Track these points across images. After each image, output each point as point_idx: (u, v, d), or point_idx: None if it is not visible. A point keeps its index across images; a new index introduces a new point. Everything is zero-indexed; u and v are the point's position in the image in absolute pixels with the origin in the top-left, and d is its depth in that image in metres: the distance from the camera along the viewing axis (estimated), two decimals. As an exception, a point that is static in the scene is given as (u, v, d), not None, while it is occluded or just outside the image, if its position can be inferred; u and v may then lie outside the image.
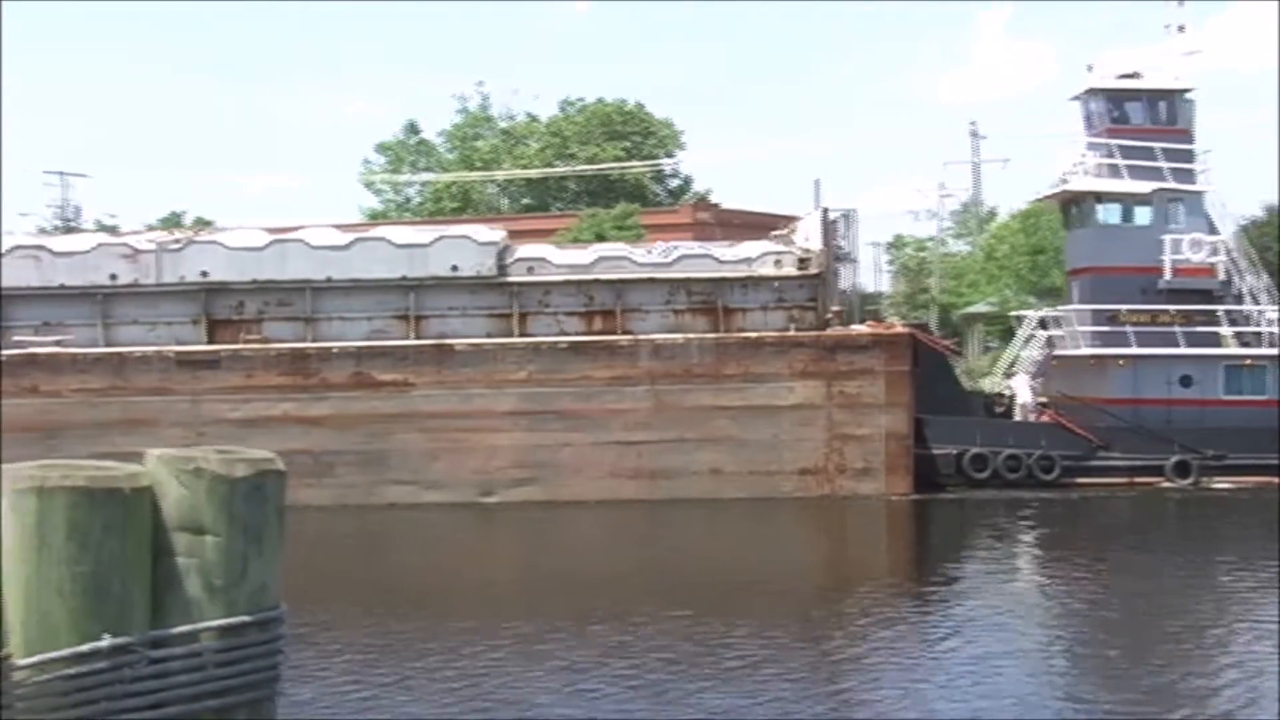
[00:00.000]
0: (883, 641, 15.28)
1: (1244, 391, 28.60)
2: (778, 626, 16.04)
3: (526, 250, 29.10)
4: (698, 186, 60.20)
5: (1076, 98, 30.74)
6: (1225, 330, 29.30)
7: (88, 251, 28.45)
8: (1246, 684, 13.04)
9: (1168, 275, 29.08)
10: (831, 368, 27.38)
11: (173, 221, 55.79)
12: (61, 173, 55.81)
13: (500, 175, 57.98)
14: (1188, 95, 29.83)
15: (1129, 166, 29.36)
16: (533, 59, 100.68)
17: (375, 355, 27.45)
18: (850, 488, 27.19)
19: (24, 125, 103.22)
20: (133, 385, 27.14)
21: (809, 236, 28.73)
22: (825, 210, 29.34)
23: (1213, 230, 29.51)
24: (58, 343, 27.58)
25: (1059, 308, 32.28)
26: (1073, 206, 31.55)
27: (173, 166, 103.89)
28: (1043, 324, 31.52)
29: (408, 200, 62.53)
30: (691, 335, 27.72)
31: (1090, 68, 30.26)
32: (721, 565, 20.85)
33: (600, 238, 38.29)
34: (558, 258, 28.76)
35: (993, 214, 57.80)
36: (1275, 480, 26.94)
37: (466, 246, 28.25)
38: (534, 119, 61.79)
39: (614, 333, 27.91)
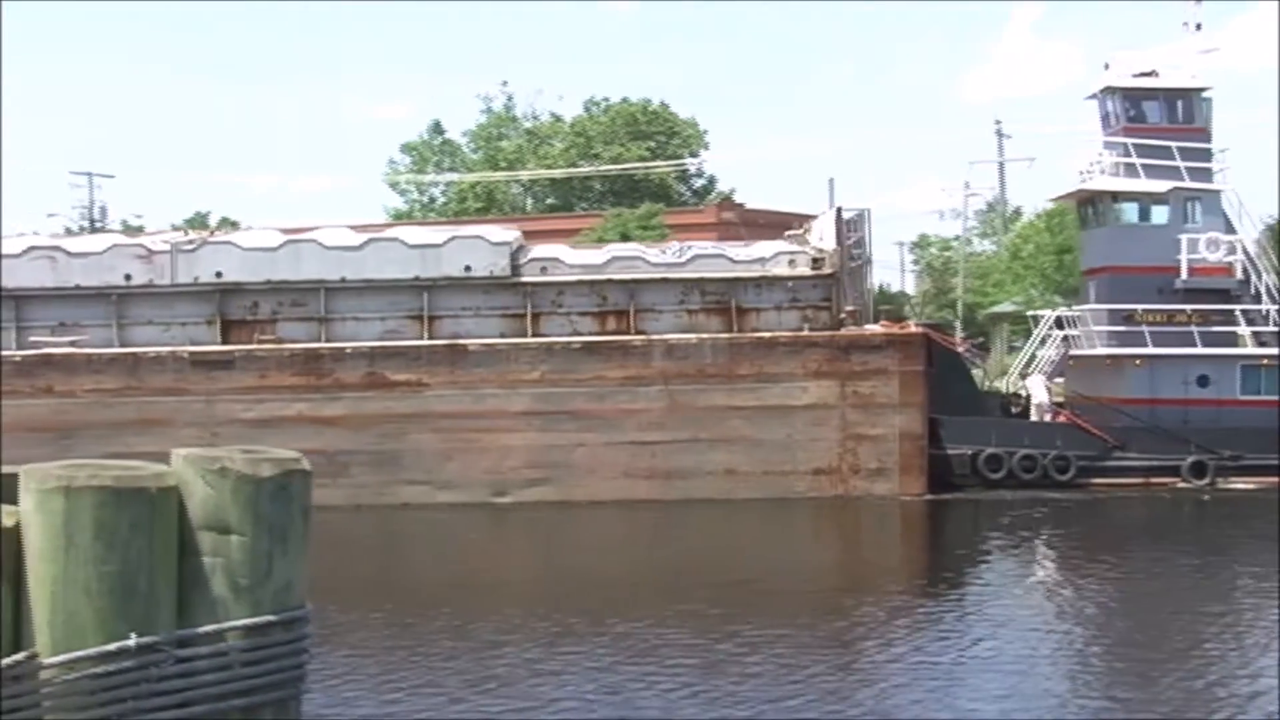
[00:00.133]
0: (897, 641, 15.23)
1: (1261, 391, 28.40)
2: (794, 627, 15.99)
3: (540, 250, 29.11)
4: (722, 186, 60.27)
5: (1093, 96, 30.59)
6: (1243, 330, 29.11)
7: (103, 252, 28.55)
8: (1251, 685, 12.99)
9: (1184, 275, 28.90)
10: (845, 368, 27.30)
11: (198, 222, 56.07)
12: (88, 173, 56.05)
13: (525, 175, 58.04)
14: (1205, 94, 29.64)
15: (1146, 165, 29.19)
16: (557, 59, 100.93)
17: (389, 355, 27.48)
18: (864, 488, 27.11)
19: (51, 127, 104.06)
20: (147, 385, 27.23)
21: (823, 236, 28.67)
22: (839, 210, 29.27)
23: (1230, 229, 29.33)
24: (73, 343, 27.70)
25: (1075, 307, 32.13)
26: (1089, 206, 31.40)
27: (198, 167, 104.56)
28: (1059, 324, 31.38)
29: (432, 200, 62.69)
30: (705, 335, 27.68)
31: (1107, 66, 30.12)
32: (737, 566, 20.80)
33: (625, 238, 38.30)
34: (571, 258, 28.76)
35: (1018, 213, 57.60)
36: (1277, 480, 26.77)
37: (480, 247, 28.26)
38: (558, 119, 61.86)
39: (627, 333, 27.88)
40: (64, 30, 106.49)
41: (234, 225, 47.61)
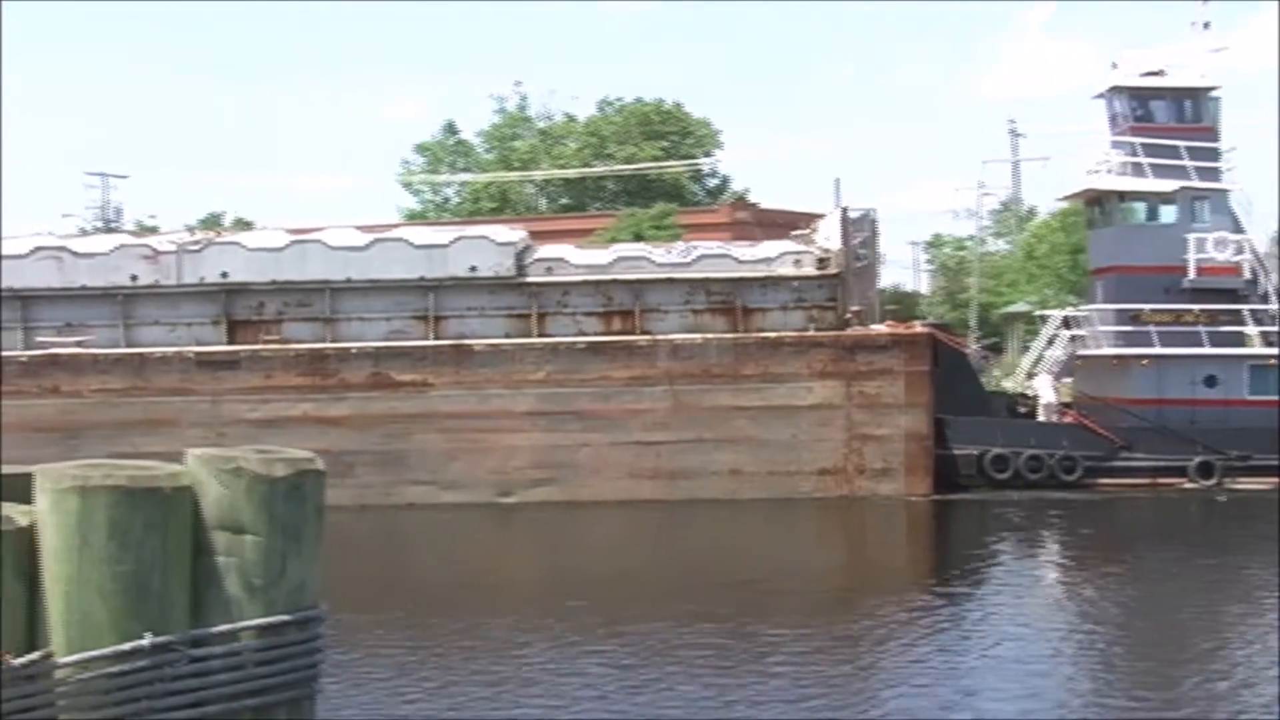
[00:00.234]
0: (910, 642, 15.22)
1: (1269, 392, 28.30)
2: (808, 628, 15.98)
3: (545, 250, 29.11)
4: (735, 186, 60.30)
5: (1100, 96, 30.52)
6: (1250, 330, 29.02)
7: (109, 253, 28.60)
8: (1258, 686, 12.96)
9: (1192, 274, 28.83)
10: (851, 368, 27.28)
11: (212, 222, 56.13)
12: (103, 174, 56.08)
13: (538, 175, 58.05)
14: (1213, 93, 29.56)
15: (1153, 165, 29.12)
16: (570, 59, 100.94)
17: (394, 356, 27.50)
18: (869, 488, 27.09)
19: (66, 128, 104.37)
20: (153, 386, 27.28)
21: (829, 236, 28.65)
22: (844, 210, 29.25)
23: (1238, 229, 29.25)
24: (79, 343, 27.74)
25: (1082, 307, 32.06)
26: (1096, 205, 31.33)
27: (213, 168, 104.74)
28: (1066, 323, 31.32)
29: (446, 201, 62.71)
30: (710, 335, 27.66)
31: (1114, 65, 30.06)
32: (745, 566, 20.79)
33: (638, 237, 38.29)
34: (576, 258, 28.76)
35: (1032, 213, 57.48)
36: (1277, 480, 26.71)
37: (485, 247, 28.28)
38: (572, 119, 61.87)
39: (633, 333, 27.88)
40: (72, 31, 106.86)
41: (248, 225, 47.67)
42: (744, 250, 29.17)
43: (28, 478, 4.46)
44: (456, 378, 27.29)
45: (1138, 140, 29.35)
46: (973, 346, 42.38)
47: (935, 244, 62.48)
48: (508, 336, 27.84)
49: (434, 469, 27.00)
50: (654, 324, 28.06)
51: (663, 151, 56.63)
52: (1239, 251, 28.97)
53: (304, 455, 4.60)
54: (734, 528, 24.97)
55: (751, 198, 55.08)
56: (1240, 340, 28.85)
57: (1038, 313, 35.44)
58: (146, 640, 4.29)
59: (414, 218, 57.56)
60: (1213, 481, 27.92)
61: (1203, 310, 28.80)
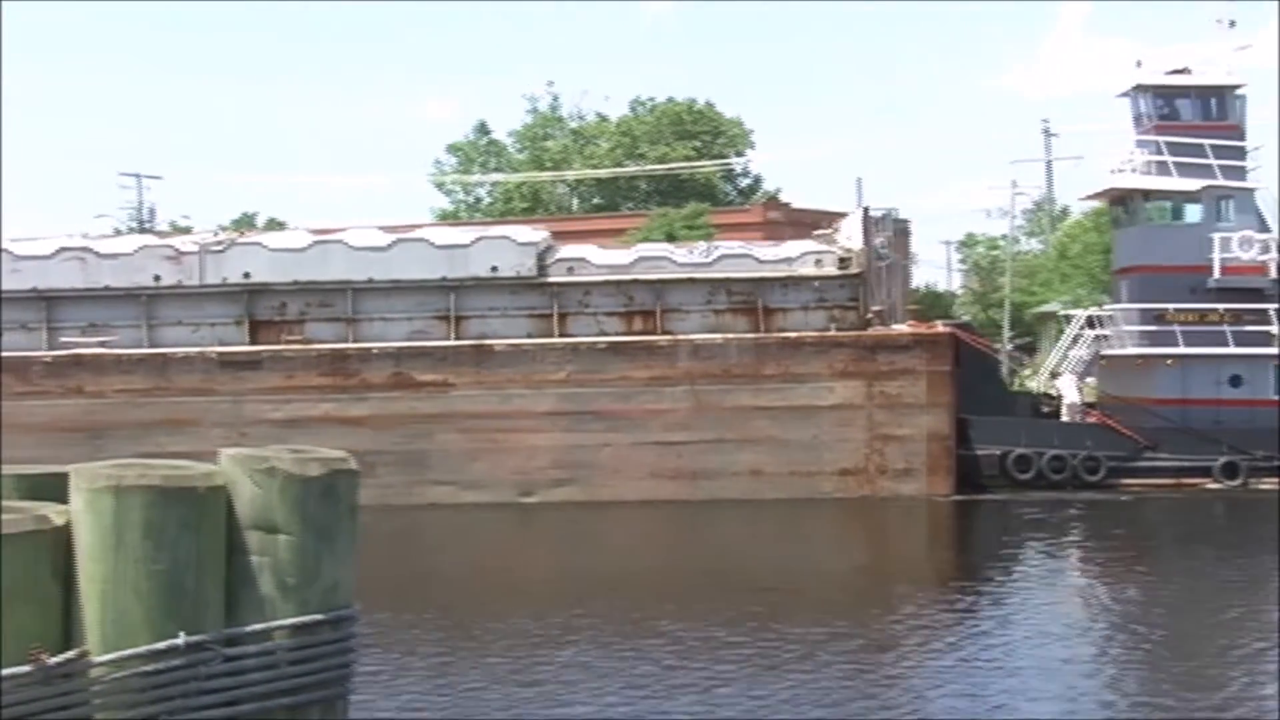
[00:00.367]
0: (932, 643, 15.16)
1: (1295, 392, 28.03)
2: (830, 629, 15.91)
3: (567, 251, 29.13)
4: (768, 185, 60.27)
5: (1125, 94, 30.27)
6: (1276, 329, 28.71)
7: (132, 253, 28.79)
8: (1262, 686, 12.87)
9: (1217, 274, 28.56)
10: (872, 368, 27.16)
11: (245, 223, 56.50)
12: (136, 175, 56.40)
13: (570, 175, 58.15)
14: (1239, 91, 29.28)
15: (1178, 163, 28.86)
16: (603, 59, 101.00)
17: (415, 356, 27.56)
18: (891, 488, 26.96)
19: (101, 129, 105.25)
20: (176, 386, 27.44)
21: (851, 236, 28.54)
22: (866, 209, 29.13)
23: (1264, 227, 28.95)
24: (102, 343, 27.94)
25: (1106, 307, 31.82)
26: (1121, 204, 31.09)
27: (247, 168, 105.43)
28: (1090, 323, 31.07)
29: (478, 201, 62.91)
30: (731, 335, 27.60)
31: (1139, 64, 29.82)
32: (771, 567, 20.72)
33: (670, 237, 38.33)
34: (598, 258, 28.75)
35: (1065, 212, 57.11)
36: None
37: (506, 247, 28.30)
38: (604, 119, 61.96)
39: (654, 333, 27.85)
40: (110, 33, 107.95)
41: (280, 226, 47.99)
42: (765, 250, 29.10)
43: (62, 477, 4.48)
44: (478, 378, 27.32)
45: (1162, 139, 29.10)
46: (1006, 347, 42.19)
47: (968, 244, 62.18)
48: (529, 336, 27.86)
49: (455, 469, 27.04)
50: (675, 324, 28.02)
51: (695, 151, 56.63)
52: (1265, 250, 28.67)
53: (337, 455, 4.61)
54: (756, 528, 24.90)
55: (783, 197, 55.03)
56: (1266, 340, 28.54)
57: (1062, 312, 35.14)
58: (181, 639, 4.30)
59: (446, 218, 57.77)
60: (1237, 482, 27.65)
61: (1228, 310, 28.53)
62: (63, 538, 4.35)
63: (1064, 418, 29.74)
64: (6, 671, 4.11)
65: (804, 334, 27.56)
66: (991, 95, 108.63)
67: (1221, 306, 28.58)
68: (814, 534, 24.76)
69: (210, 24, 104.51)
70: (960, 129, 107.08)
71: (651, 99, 60.74)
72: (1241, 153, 29.29)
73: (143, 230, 50.24)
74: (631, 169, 56.42)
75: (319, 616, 4.52)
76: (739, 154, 59.08)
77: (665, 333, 27.83)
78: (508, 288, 28.13)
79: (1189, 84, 29.23)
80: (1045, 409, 30.40)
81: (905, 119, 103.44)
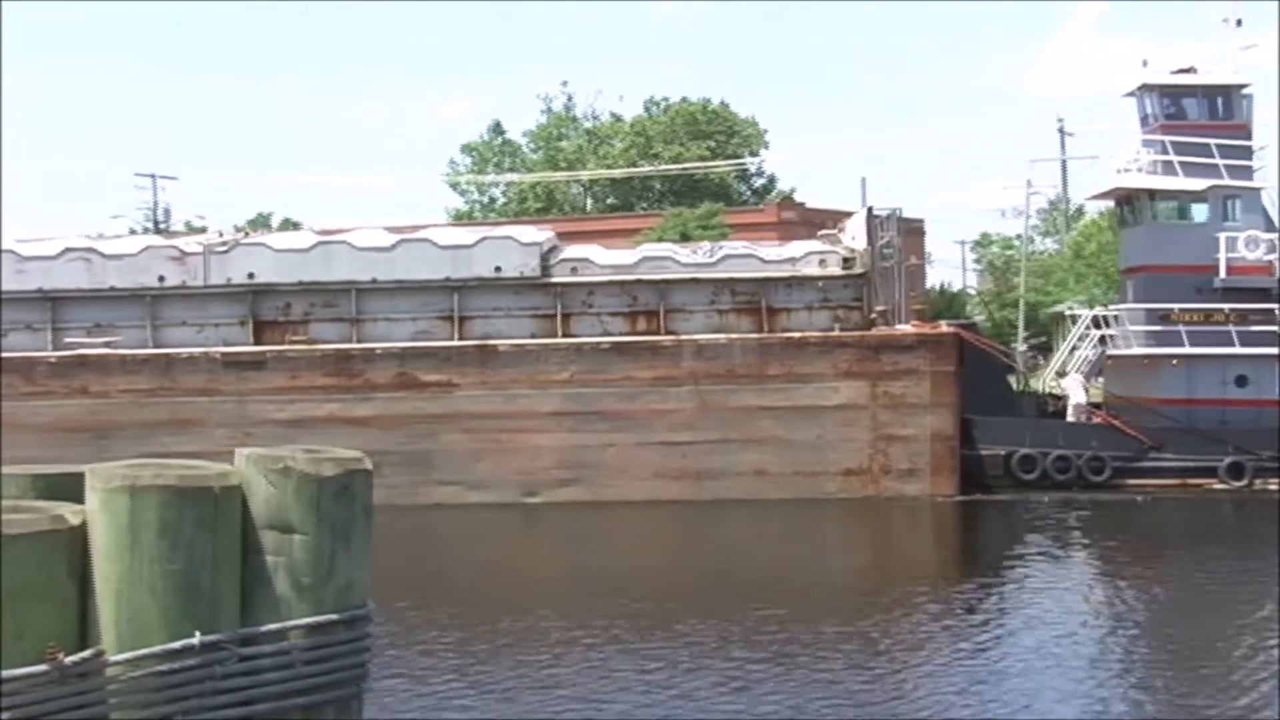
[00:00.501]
0: (933, 643, 15.16)
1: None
2: (832, 629, 15.92)
3: (570, 251, 29.13)
4: (782, 185, 60.31)
5: (1131, 94, 30.22)
6: (1282, 329, 28.68)
7: (137, 254, 28.82)
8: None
9: (1223, 273, 28.50)
10: (876, 368, 27.15)
11: (260, 223, 56.66)
12: (152, 175, 56.45)
13: (585, 175, 58.24)
14: (1245, 90, 29.21)
15: (1184, 163, 28.81)
16: (617, 59, 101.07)
17: (419, 356, 27.56)
18: (895, 489, 26.95)
19: (118, 129, 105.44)
20: (180, 386, 27.46)
21: (855, 236, 28.53)
22: (870, 209, 29.12)
23: (1271, 227, 28.88)
24: (107, 344, 27.97)
25: (1111, 307, 31.76)
26: (1127, 204, 31.05)
27: (263, 169, 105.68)
28: (1096, 323, 31.00)
29: (493, 201, 62.98)
30: (735, 336, 27.59)
31: (1145, 63, 29.78)
32: (774, 567, 20.72)
33: (685, 237, 38.40)
34: (601, 258, 28.75)
35: (1080, 211, 57.05)
36: None
37: (510, 247, 28.31)
38: (618, 119, 61.99)
39: (658, 333, 27.85)
40: (126, 34, 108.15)
41: (295, 226, 48.12)
42: (769, 250, 29.10)
43: (78, 477, 4.48)
44: (482, 378, 27.33)
45: (1168, 139, 29.03)
46: (1021, 347, 42.10)
47: (983, 243, 62.11)
48: (533, 337, 27.87)
49: (460, 469, 27.04)
50: (679, 324, 28.02)
51: (709, 151, 56.68)
52: (1271, 250, 28.61)
53: (352, 455, 4.61)
54: (761, 528, 24.90)
55: (798, 198, 55.04)
56: (1272, 340, 28.46)
57: (1068, 313, 35.06)
58: (196, 639, 4.30)
59: (460, 218, 57.89)
60: (1243, 482, 27.61)
61: (1233, 309, 28.48)
62: (78, 537, 4.35)
63: (1069, 418, 29.71)
64: (23, 670, 4.12)
65: (808, 334, 27.55)
66: (1006, 95, 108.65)
67: (1227, 306, 28.53)
68: (819, 534, 24.75)
69: (211, 24, 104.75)
70: (975, 129, 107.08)
71: (666, 99, 60.82)
72: (1248, 152, 29.22)
73: (158, 231, 50.32)
74: (646, 169, 56.50)
75: (334, 616, 4.52)
76: (753, 154, 59.14)
77: (669, 333, 27.82)
78: (511, 288, 28.13)
79: (1195, 83, 29.15)
80: (1051, 409, 30.36)
81: (919, 119, 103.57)
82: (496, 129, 64.06)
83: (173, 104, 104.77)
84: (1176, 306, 28.70)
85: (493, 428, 27.16)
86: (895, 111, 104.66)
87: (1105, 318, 30.89)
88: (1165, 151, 29.05)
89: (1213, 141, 28.71)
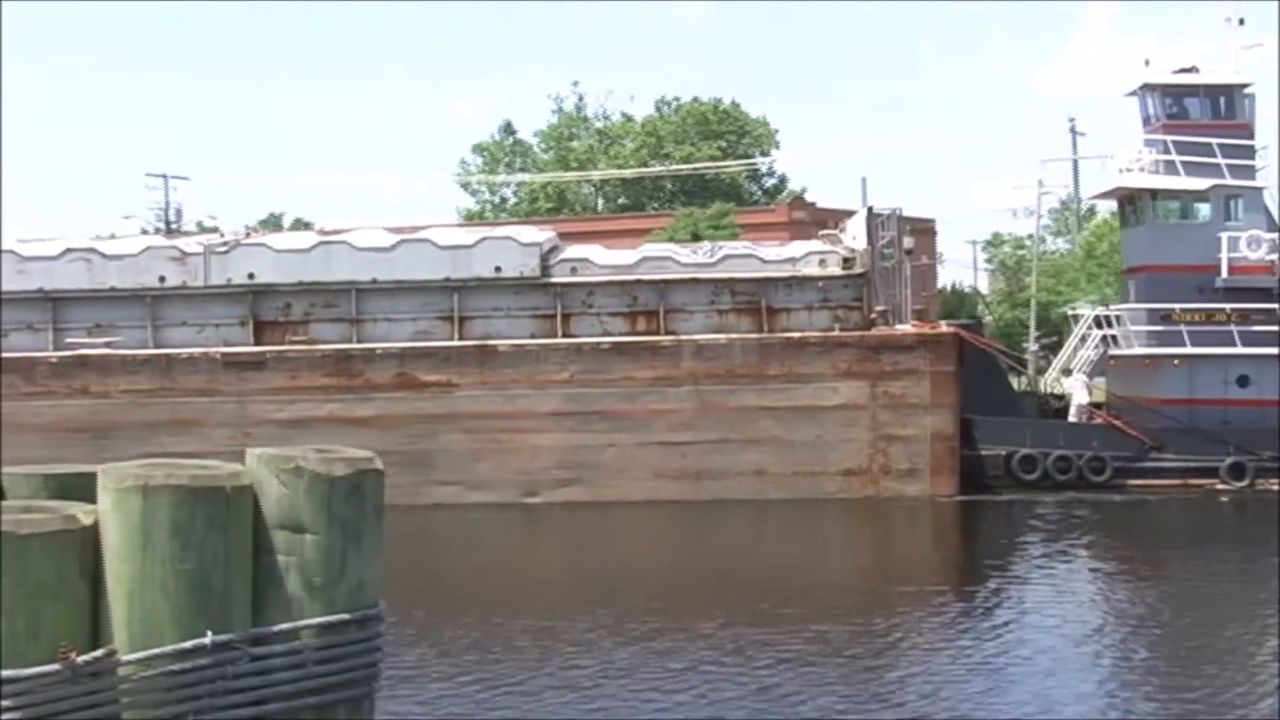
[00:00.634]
0: (934, 643, 15.18)
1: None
2: (833, 630, 15.92)
3: (570, 251, 29.15)
4: (793, 185, 60.36)
5: (1133, 94, 30.21)
6: (1284, 329, 28.65)
7: (137, 254, 28.82)
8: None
9: (1225, 273, 28.50)
10: (876, 368, 27.17)
11: (272, 223, 56.70)
12: (163, 175, 56.41)
13: (596, 175, 58.31)
14: (1248, 89, 29.19)
15: (1186, 163, 28.81)
16: (628, 59, 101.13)
17: (419, 356, 27.57)
18: (895, 489, 26.97)
19: (130, 130, 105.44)
20: (180, 386, 27.46)
21: (855, 236, 28.55)
22: (870, 209, 29.13)
23: (1273, 227, 28.88)
24: (108, 344, 27.97)
25: (1113, 307, 31.76)
26: (1129, 204, 31.05)
27: (275, 169, 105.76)
28: (1098, 323, 31.00)
29: (504, 201, 63.02)
30: (735, 336, 27.61)
31: (1147, 62, 29.77)
32: (775, 568, 20.73)
33: (696, 237, 38.44)
34: (601, 258, 28.76)
35: (1092, 211, 57.09)
36: None
37: (510, 247, 28.32)
38: (629, 119, 62.04)
39: (657, 333, 27.86)
40: (139, 34, 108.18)
41: (306, 226, 48.20)
42: (769, 250, 29.12)
43: (90, 477, 4.48)
44: (481, 378, 27.34)
45: (1170, 138, 29.02)
46: (1032, 347, 42.06)
47: (994, 243, 62.23)
48: (532, 337, 27.88)
49: (460, 469, 27.05)
50: (679, 324, 28.03)
51: (720, 151, 56.75)
52: (1273, 250, 28.60)
53: (364, 455, 4.61)
54: (761, 529, 24.92)
55: (808, 197, 55.12)
56: (1274, 340, 28.46)
57: (1071, 313, 35.06)
58: (208, 639, 4.30)
59: (471, 218, 57.96)
60: (1244, 482, 27.63)
61: (1235, 309, 28.48)
62: (90, 537, 4.35)
63: (1071, 418, 29.72)
64: (35, 670, 4.12)
65: (808, 334, 27.57)
66: (1018, 94, 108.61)
67: (1229, 306, 28.52)
68: (819, 534, 24.77)
69: (211, 24, 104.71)
70: (986, 129, 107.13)
71: (677, 99, 60.90)
72: (1250, 152, 29.21)
73: (170, 231, 50.34)
74: (657, 169, 56.59)
75: (345, 616, 4.52)
76: (764, 154, 59.22)
77: (669, 333, 27.84)
78: (511, 288, 28.14)
79: (1197, 83, 29.12)
80: (1055, 408, 30.35)
81: (931, 119, 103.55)
82: (508, 129, 64.16)
83: (174, 104, 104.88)
84: (1178, 306, 28.71)
85: (493, 428, 27.17)
86: (907, 112, 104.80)
87: (1107, 317, 30.87)
88: (1167, 151, 29.04)
89: (1215, 141, 28.69)
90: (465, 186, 63.56)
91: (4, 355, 27.45)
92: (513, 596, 18.55)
